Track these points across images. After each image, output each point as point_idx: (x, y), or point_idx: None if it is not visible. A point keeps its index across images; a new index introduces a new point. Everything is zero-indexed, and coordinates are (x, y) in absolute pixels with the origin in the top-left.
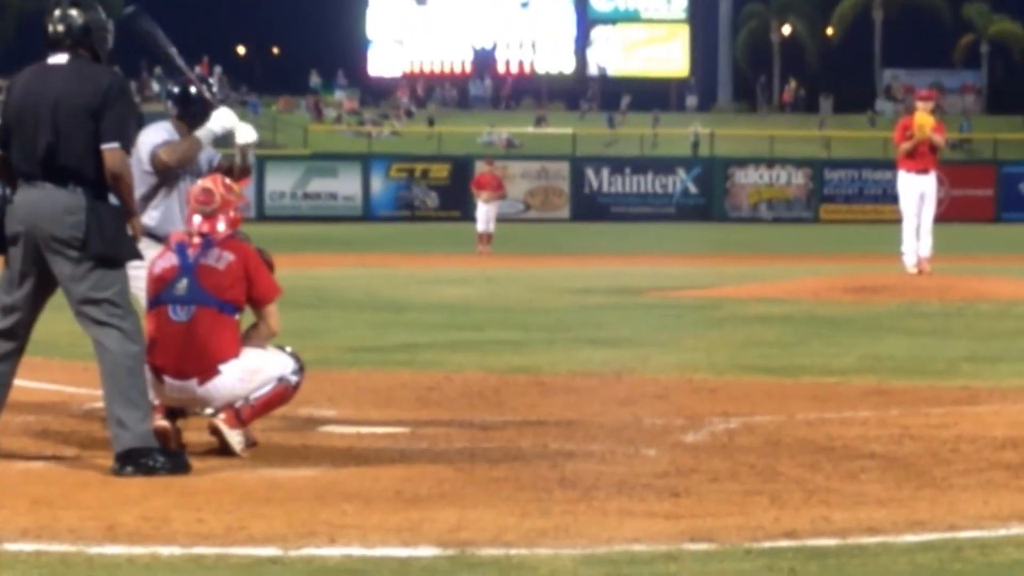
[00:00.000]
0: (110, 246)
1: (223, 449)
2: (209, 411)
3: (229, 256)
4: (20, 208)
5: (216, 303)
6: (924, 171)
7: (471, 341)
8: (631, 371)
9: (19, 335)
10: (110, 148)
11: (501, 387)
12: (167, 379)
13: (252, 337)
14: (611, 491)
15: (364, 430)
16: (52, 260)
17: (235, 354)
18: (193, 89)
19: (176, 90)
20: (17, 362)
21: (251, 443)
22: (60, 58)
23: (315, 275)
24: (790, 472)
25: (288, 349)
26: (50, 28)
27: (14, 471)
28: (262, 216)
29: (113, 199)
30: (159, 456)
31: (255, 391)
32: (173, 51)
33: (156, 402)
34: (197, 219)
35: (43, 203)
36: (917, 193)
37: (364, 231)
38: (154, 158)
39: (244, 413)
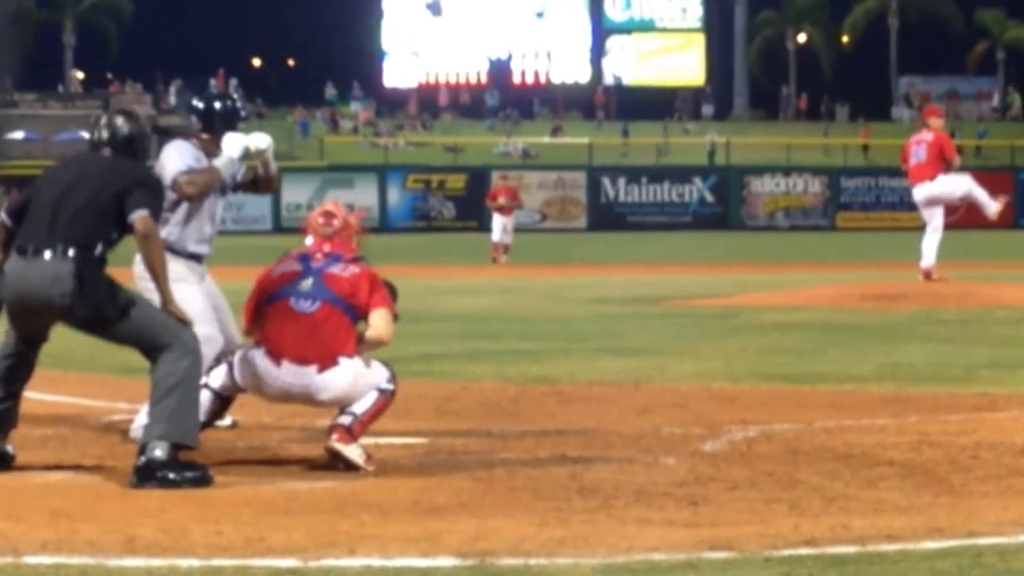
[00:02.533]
0: (99, 309)
1: (276, 461)
2: (227, 422)
3: (355, 268)
4: (11, 280)
5: (341, 303)
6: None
7: (489, 351)
8: (649, 380)
9: (29, 361)
10: (140, 214)
11: (519, 397)
12: (285, 363)
13: (361, 342)
14: (630, 500)
15: (382, 440)
16: (53, 320)
17: (352, 353)
18: (218, 104)
19: (200, 105)
20: (28, 376)
21: (367, 454)
22: (103, 151)
23: None
24: (809, 480)
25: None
26: (95, 134)
27: (33, 484)
28: (279, 228)
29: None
30: (183, 470)
31: (359, 403)
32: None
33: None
34: (309, 240)
35: (32, 273)
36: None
37: (381, 242)
38: (175, 187)
39: (355, 429)
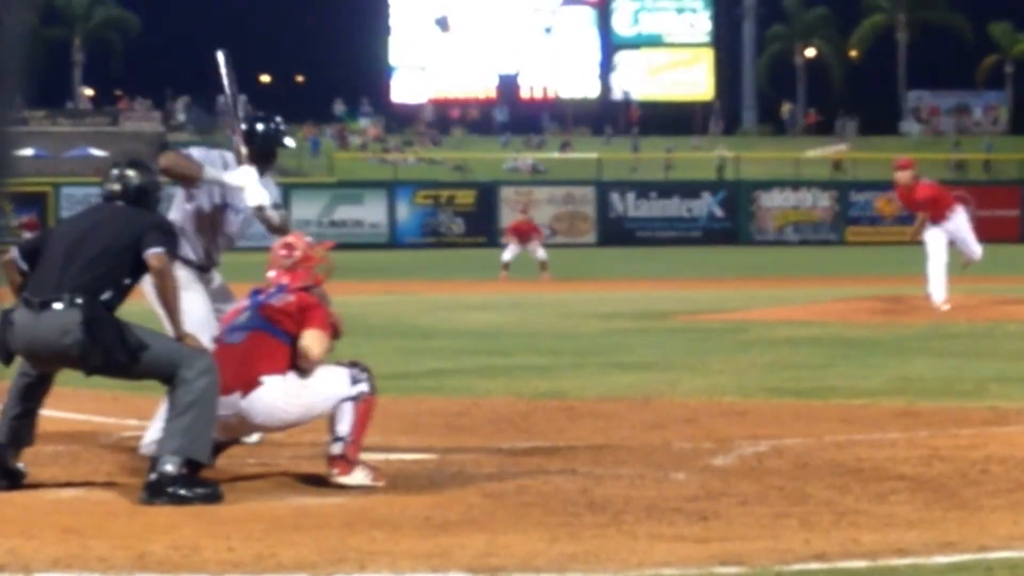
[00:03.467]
0: (109, 354)
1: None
2: (255, 438)
3: (291, 297)
4: (20, 331)
5: (270, 328)
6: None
7: (499, 367)
8: (659, 395)
9: (46, 380)
10: (155, 252)
11: (529, 412)
12: (220, 399)
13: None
14: (640, 515)
15: (393, 456)
16: (66, 367)
17: (281, 372)
18: (260, 125)
19: (244, 127)
20: (45, 395)
21: (373, 468)
22: (117, 203)
23: (341, 302)
24: (820, 495)
25: (346, 361)
26: (106, 186)
27: (44, 500)
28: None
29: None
30: (193, 486)
31: (340, 423)
32: (239, 99)
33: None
34: (271, 273)
35: (40, 324)
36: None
37: (390, 258)
38: (161, 155)
39: (349, 454)
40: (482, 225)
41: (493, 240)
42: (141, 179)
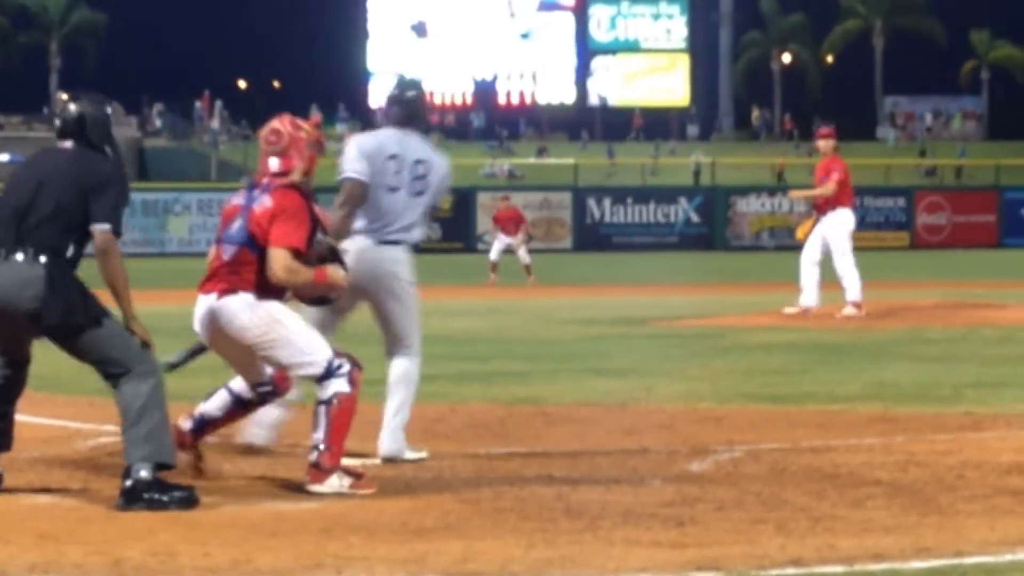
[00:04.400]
0: (69, 314)
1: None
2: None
3: (268, 202)
4: None
5: (251, 245)
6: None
7: (476, 372)
8: (636, 401)
9: (17, 382)
10: (101, 229)
11: (506, 418)
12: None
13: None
14: (617, 521)
15: (370, 462)
16: (22, 327)
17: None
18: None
19: (398, 94)
20: (18, 396)
21: (356, 474)
22: (65, 143)
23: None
24: (796, 500)
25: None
26: (56, 122)
27: (20, 506)
28: None
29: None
30: (169, 490)
31: (316, 430)
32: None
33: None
34: (273, 161)
35: (4, 275)
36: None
37: None
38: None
39: (324, 462)
40: (459, 231)
41: (470, 245)
42: (82, 110)
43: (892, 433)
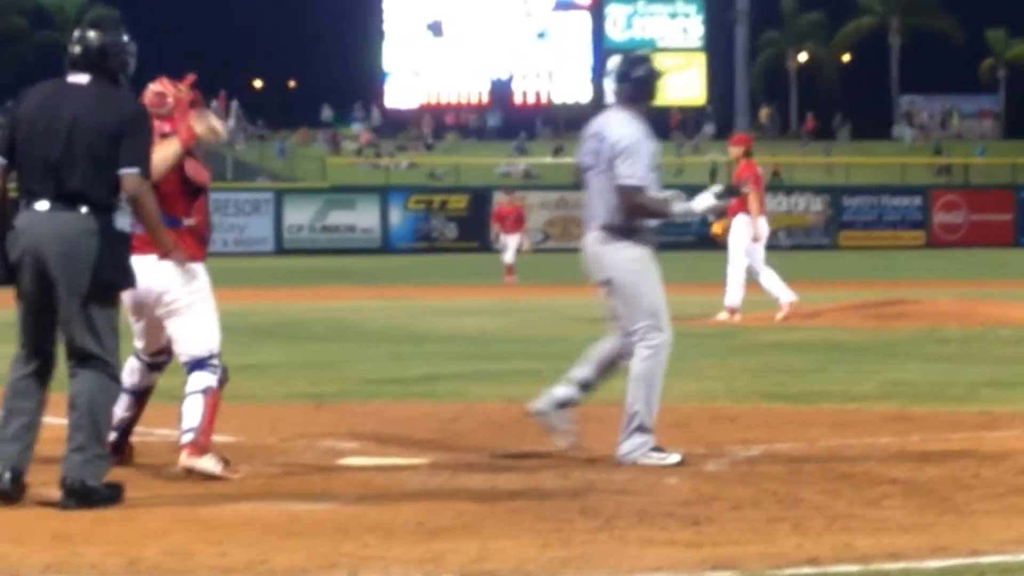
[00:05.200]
0: (117, 273)
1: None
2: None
3: None
4: (25, 232)
5: (167, 219)
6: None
7: (491, 372)
8: None
9: (47, 374)
10: (130, 173)
11: (522, 417)
12: None
13: None
14: (632, 520)
15: (385, 462)
16: (59, 284)
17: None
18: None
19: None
20: (45, 399)
21: (223, 460)
22: (80, 78)
23: (334, 307)
24: (812, 499)
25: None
26: (69, 49)
27: (33, 506)
28: (281, 249)
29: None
30: (104, 489)
31: (188, 416)
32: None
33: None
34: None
35: (51, 226)
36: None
37: (383, 263)
38: (623, 194)
39: (201, 440)
40: (475, 230)
41: (486, 245)
42: (103, 39)
43: (908, 432)
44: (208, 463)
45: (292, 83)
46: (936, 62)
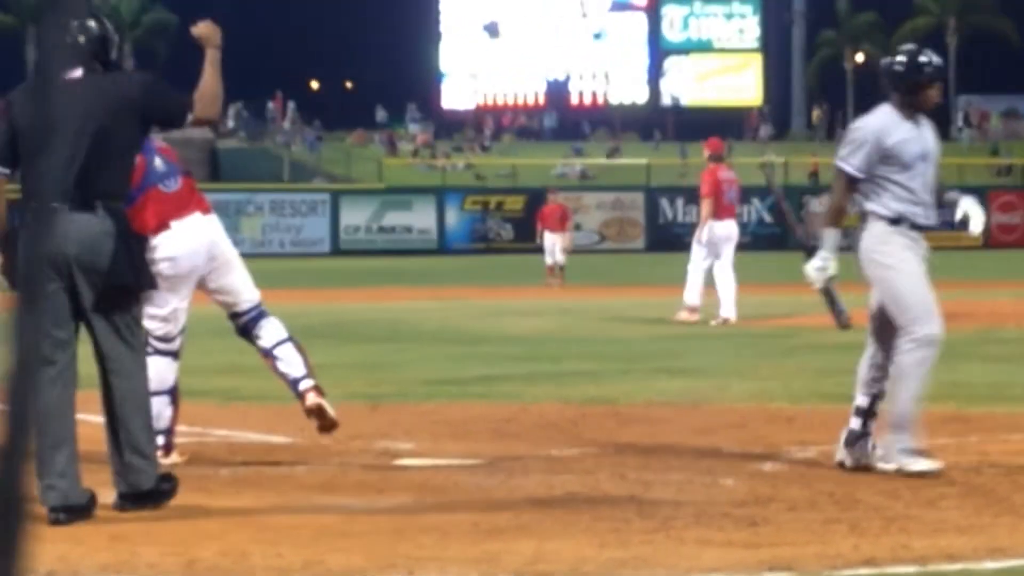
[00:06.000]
0: (136, 274)
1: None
2: None
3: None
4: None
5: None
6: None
7: (547, 373)
8: (708, 400)
9: (71, 384)
10: (189, 119)
11: (578, 418)
12: None
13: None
14: (689, 521)
15: (441, 462)
16: (81, 287)
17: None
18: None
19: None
20: (74, 410)
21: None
22: (75, 72)
23: (391, 308)
24: (869, 500)
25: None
26: (79, 40)
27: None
28: (337, 250)
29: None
30: (158, 487)
31: (160, 418)
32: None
33: None
34: None
35: (70, 230)
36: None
37: (439, 264)
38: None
39: (171, 442)
40: (531, 231)
41: (542, 246)
42: (102, 30)
43: (966, 433)
44: (173, 459)
45: (349, 84)
46: (993, 62)
